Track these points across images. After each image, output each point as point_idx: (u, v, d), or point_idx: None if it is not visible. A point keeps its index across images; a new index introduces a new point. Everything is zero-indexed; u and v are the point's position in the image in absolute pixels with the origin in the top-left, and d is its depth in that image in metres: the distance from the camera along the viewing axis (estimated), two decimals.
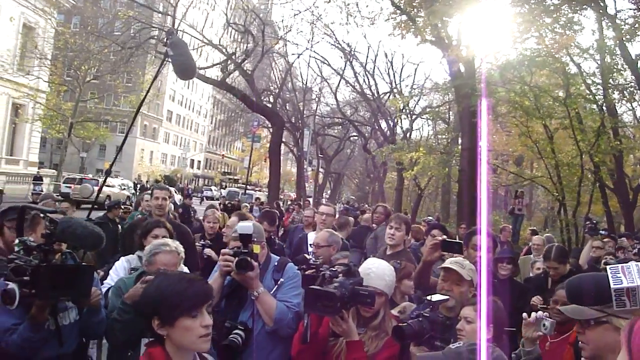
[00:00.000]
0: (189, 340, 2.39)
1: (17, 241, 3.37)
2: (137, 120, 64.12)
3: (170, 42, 4.69)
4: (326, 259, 5.08)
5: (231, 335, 3.69)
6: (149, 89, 5.64)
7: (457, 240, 4.74)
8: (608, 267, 2.03)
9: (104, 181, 6.29)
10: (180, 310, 2.37)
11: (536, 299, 5.31)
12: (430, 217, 26.75)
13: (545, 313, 3.33)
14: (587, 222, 8.89)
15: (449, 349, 2.23)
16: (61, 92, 44.84)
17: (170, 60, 4.69)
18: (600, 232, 9.92)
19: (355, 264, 3.58)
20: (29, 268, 3.01)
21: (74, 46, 38.36)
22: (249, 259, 3.73)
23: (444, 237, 4.79)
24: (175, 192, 40.06)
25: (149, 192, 8.21)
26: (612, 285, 1.93)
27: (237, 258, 3.75)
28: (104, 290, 4.31)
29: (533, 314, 3.27)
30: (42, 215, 3.81)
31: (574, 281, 2.33)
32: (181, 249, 4.06)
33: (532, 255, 9.57)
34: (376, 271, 3.73)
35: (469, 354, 2.14)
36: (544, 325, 3.22)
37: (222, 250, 3.95)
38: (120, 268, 4.90)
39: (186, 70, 4.69)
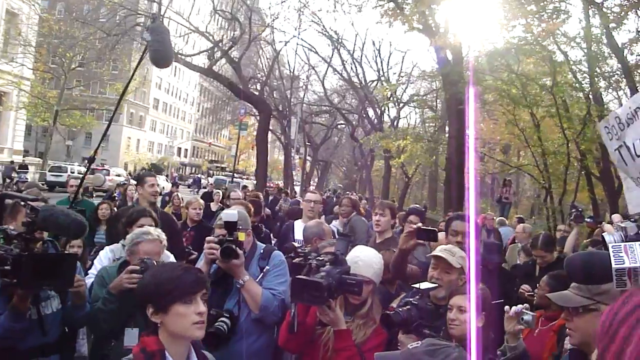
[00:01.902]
0: (182, 327, 2.40)
1: None
2: (123, 108, 63.79)
3: (151, 27, 4.54)
4: (314, 247, 5.07)
5: (217, 323, 3.67)
6: (132, 76, 5.54)
7: (432, 228, 4.68)
8: (610, 245, 1.98)
9: (88, 169, 6.26)
10: (174, 297, 2.40)
11: (524, 287, 5.32)
12: (417, 205, 26.77)
13: (525, 306, 3.29)
14: (573, 210, 8.80)
15: (407, 349, 2.20)
16: (46, 79, 44.39)
17: (147, 45, 4.54)
18: (586, 219, 9.90)
19: (342, 253, 3.55)
20: (10, 257, 2.96)
21: (59, 33, 37.88)
22: (233, 246, 3.70)
23: (419, 224, 4.73)
24: (167, 181, 40.47)
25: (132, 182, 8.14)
26: (613, 265, 1.87)
27: (222, 246, 3.72)
28: (89, 281, 4.27)
29: (514, 308, 3.24)
30: (22, 203, 3.74)
31: (569, 259, 2.30)
32: (163, 236, 4.01)
33: (518, 243, 9.60)
34: (364, 259, 3.74)
35: (424, 355, 2.10)
36: (523, 319, 3.19)
37: (207, 238, 3.92)
38: (104, 258, 4.86)
39: (161, 58, 4.51)
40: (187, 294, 2.42)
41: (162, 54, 4.49)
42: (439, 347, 2.07)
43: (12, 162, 34.26)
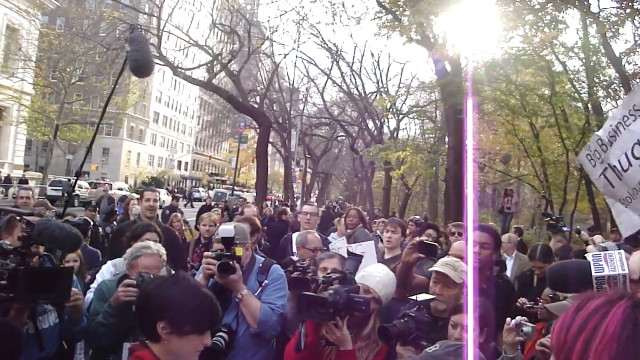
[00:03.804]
0: (187, 353, 2.41)
1: None
2: (123, 122, 63.79)
3: (129, 37, 4.52)
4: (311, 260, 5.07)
5: (214, 338, 3.65)
6: (114, 88, 5.50)
7: (433, 243, 4.75)
8: (590, 254, 2.01)
9: (76, 182, 6.26)
10: (199, 329, 2.41)
11: (521, 300, 5.29)
12: (417, 217, 26.73)
13: (524, 318, 3.29)
14: (547, 219, 8.33)
15: (426, 353, 2.19)
16: (46, 94, 44.47)
17: (127, 56, 4.50)
18: (563, 228, 9.54)
19: (352, 272, 3.56)
20: (6, 272, 2.95)
21: (59, 48, 38.01)
22: (230, 262, 3.69)
23: (421, 239, 4.81)
24: (167, 194, 40.70)
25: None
26: (593, 273, 1.91)
27: (219, 261, 3.71)
28: (90, 295, 4.25)
29: (514, 320, 3.23)
30: (18, 217, 3.74)
31: (557, 267, 2.30)
32: (163, 251, 4.01)
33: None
34: (384, 277, 3.85)
35: (447, 356, 2.09)
36: (522, 330, 3.19)
37: (205, 253, 3.93)
38: (106, 272, 4.86)
39: (139, 67, 4.46)
40: (207, 329, 2.45)
41: (141, 63, 4.44)
42: (457, 346, 2.08)
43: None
